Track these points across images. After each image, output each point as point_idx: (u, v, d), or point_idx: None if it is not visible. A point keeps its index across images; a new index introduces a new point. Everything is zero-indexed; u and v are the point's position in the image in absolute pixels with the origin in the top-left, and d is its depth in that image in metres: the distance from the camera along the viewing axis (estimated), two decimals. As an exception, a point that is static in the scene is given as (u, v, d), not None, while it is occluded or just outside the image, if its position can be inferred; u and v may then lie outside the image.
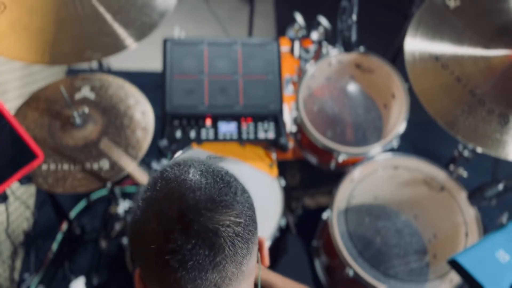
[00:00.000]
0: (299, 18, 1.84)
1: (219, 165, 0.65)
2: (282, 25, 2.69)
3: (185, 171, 0.61)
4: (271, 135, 1.62)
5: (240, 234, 0.58)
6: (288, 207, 2.01)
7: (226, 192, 0.59)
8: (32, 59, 1.17)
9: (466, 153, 1.52)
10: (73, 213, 1.98)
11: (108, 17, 1.24)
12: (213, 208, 0.57)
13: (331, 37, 1.81)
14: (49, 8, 1.22)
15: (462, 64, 1.30)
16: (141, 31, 1.24)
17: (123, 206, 1.73)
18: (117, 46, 1.22)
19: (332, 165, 1.74)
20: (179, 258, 0.55)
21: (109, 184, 1.41)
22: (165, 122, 1.59)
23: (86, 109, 1.45)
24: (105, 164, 1.38)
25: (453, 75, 1.29)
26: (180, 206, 0.57)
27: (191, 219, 0.56)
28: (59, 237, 1.91)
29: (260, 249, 0.69)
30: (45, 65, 1.25)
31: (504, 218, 1.32)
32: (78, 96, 1.52)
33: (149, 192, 0.61)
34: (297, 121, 1.73)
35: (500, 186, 1.40)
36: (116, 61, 2.30)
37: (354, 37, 1.76)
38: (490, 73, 1.28)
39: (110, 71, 2.22)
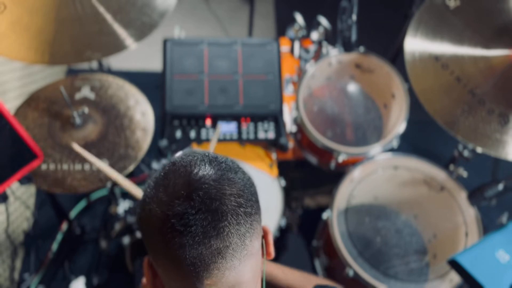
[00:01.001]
0: (299, 18, 1.84)
1: (224, 156, 0.70)
2: (282, 25, 2.69)
3: (192, 156, 0.65)
4: (271, 135, 1.62)
5: (243, 206, 0.61)
6: (288, 207, 2.01)
7: (229, 169, 0.64)
8: (32, 59, 1.17)
9: (466, 153, 1.52)
10: (73, 213, 1.98)
11: (108, 17, 1.24)
12: (217, 180, 0.61)
13: (331, 37, 1.81)
14: (49, 8, 1.22)
15: (462, 64, 1.30)
16: (141, 31, 1.25)
17: (123, 206, 1.73)
18: (117, 46, 1.22)
19: (332, 165, 1.74)
20: (183, 222, 0.58)
21: (109, 184, 1.41)
22: (165, 122, 1.59)
23: (86, 109, 1.45)
24: (105, 163, 1.38)
25: (453, 75, 1.29)
26: (186, 178, 0.61)
27: (196, 187, 0.60)
28: (59, 237, 1.91)
29: (265, 237, 0.71)
30: (45, 65, 1.25)
31: (504, 218, 1.32)
32: (78, 96, 1.52)
33: (158, 174, 0.65)
34: (297, 121, 1.73)
35: (500, 186, 1.40)
36: (116, 61, 2.30)
37: (354, 37, 1.76)
38: (490, 73, 1.28)
39: (110, 71, 2.22)
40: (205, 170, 0.62)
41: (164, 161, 1.55)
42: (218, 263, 0.59)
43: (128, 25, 1.24)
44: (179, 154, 0.68)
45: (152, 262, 0.66)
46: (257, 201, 0.67)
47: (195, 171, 0.62)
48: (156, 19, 1.27)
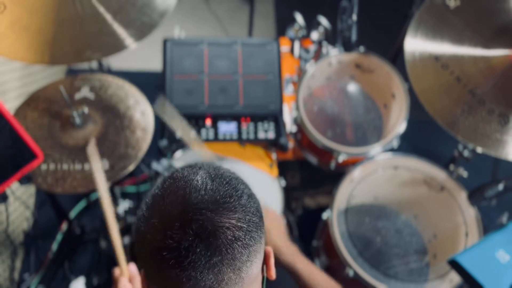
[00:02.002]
0: (299, 18, 1.84)
1: (231, 171, 0.65)
2: (282, 25, 2.69)
3: (194, 172, 0.62)
4: (271, 135, 1.62)
5: (241, 239, 0.58)
6: (288, 207, 2.01)
7: (231, 195, 0.59)
8: (32, 59, 1.17)
9: (466, 153, 1.52)
10: (73, 213, 1.98)
11: (108, 17, 1.24)
12: (215, 209, 0.57)
13: (331, 37, 1.81)
14: (49, 8, 1.22)
15: (462, 64, 1.30)
16: (141, 31, 1.24)
17: (123, 206, 1.73)
18: (117, 46, 1.22)
19: (332, 165, 1.74)
20: (175, 255, 0.56)
21: (109, 184, 1.41)
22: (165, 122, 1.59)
23: (86, 109, 1.44)
24: (105, 164, 1.38)
25: (453, 75, 1.29)
26: (182, 204, 0.57)
27: (191, 218, 0.56)
28: (59, 237, 1.91)
29: (266, 260, 0.67)
30: (45, 65, 1.25)
31: (504, 218, 1.32)
32: (78, 96, 1.51)
33: (156, 190, 0.62)
34: (297, 121, 1.73)
35: (500, 186, 1.40)
36: (116, 61, 2.30)
37: (354, 37, 1.76)
38: (490, 73, 1.28)
39: (110, 71, 2.22)
40: (205, 195, 0.58)
41: (166, 166, 1.55)
42: None
43: (128, 25, 1.24)
44: (181, 167, 0.65)
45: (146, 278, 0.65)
46: (259, 229, 0.62)
47: (194, 196, 0.58)
48: (156, 19, 1.27)
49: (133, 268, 0.81)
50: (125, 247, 1.86)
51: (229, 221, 0.57)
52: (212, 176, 0.61)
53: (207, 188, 0.59)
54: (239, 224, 0.58)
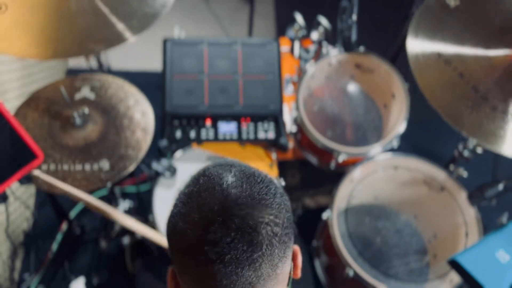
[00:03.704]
0: (299, 18, 1.84)
1: (260, 171, 0.65)
2: (282, 25, 2.69)
3: (227, 169, 0.62)
4: (271, 135, 1.61)
5: (278, 235, 0.58)
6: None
7: (266, 192, 0.60)
8: (35, 54, 1.18)
9: (466, 153, 1.52)
10: (73, 213, 1.98)
11: (110, 9, 1.24)
12: (254, 205, 0.58)
13: (331, 37, 1.81)
14: (49, 4, 1.22)
15: (464, 61, 1.30)
16: (144, 22, 1.25)
17: (123, 206, 1.73)
18: (120, 37, 1.22)
19: (332, 165, 1.74)
20: (217, 250, 0.56)
21: (109, 184, 1.41)
22: (165, 122, 1.59)
23: (86, 109, 1.44)
24: (105, 164, 1.38)
25: (456, 71, 1.29)
26: (222, 200, 0.57)
27: (232, 213, 0.56)
28: (59, 237, 1.90)
29: (294, 259, 0.67)
30: (49, 60, 1.25)
31: (504, 218, 1.32)
32: (78, 96, 1.52)
33: (191, 187, 0.61)
34: (297, 121, 1.73)
35: (500, 186, 1.40)
36: (116, 61, 2.30)
37: (354, 37, 1.76)
38: (492, 71, 1.28)
39: (110, 71, 2.22)
40: (243, 192, 0.58)
41: (163, 162, 1.55)
42: None
43: (131, 16, 1.24)
44: (212, 165, 0.64)
45: (176, 274, 0.64)
46: (292, 227, 0.63)
47: (233, 192, 0.58)
48: (158, 9, 1.27)
49: None
50: (125, 247, 1.86)
51: (268, 217, 0.58)
52: (246, 174, 0.61)
53: (243, 185, 0.59)
54: (277, 220, 0.59)
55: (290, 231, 0.62)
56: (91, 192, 1.98)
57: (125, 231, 1.80)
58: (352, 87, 1.92)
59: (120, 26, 1.22)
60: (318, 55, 1.84)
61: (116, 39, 1.21)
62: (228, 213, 0.56)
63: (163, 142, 1.57)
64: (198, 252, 0.56)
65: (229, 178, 0.60)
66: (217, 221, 0.56)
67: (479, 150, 1.43)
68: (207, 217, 0.57)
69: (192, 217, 0.58)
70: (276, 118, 1.63)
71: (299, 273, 0.69)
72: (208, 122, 1.60)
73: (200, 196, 0.59)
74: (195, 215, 0.58)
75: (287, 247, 0.61)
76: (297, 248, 0.68)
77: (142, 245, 1.76)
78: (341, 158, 1.65)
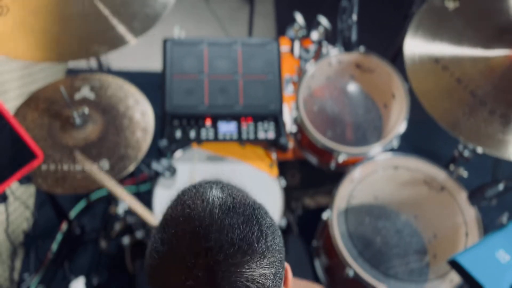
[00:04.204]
0: (299, 18, 1.83)
1: (244, 193, 0.59)
2: (282, 25, 2.69)
3: (210, 206, 0.54)
4: (271, 135, 1.61)
5: (270, 286, 0.54)
6: (288, 207, 2.01)
7: (258, 238, 0.53)
8: (39, 57, 1.18)
9: (466, 153, 1.52)
10: (73, 213, 1.98)
11: (111, 11, 1.24)
12: (243, 261, 0.51)
13: (331, 37, 1.81)
14: (52, 6, 1.22)
15: (462, 66, 1.30)
16: (146, 23, 1.25)
17: (123, 206, 1.73)
18: (123, 38, 1.22)
19: (332, 165, 1.74)
20: None
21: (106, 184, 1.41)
22: (165, 122, 1.59)
23: (86, 109, 1.44)
24: (105, 164, 1.38)
25: (454, 77, 1.29)
26: (208, 262, 0.51)
27: (220, 277, 0.50)
28: (59, 237, 1.90)
29: (285, 282, 0.63)
30: (53, 62, 1.26)
31: (504, 218, 1.32)
32: (77, 96, 1.51)
33: (168, 232, 0.54)
34: (297, 121, 1.73)
35: (500, 186, 1.40)
36: (116, 61, 2.29)
37: (354, 37, 1.76)
38: (490, 74, 1.28)
39: (109, 71, 2.22)
40: (230, 241, 0.51)
41: (163, 162, 1.55)
42: None
43: (132, 17, 1.24)
44: (192, 195, 0.56)
45: None
46: (283, 260, 0.58)
47: (217, 245, 0.51)
48: (159, 10, 1.27)
49: None
50: (125, 247, 1.86)
51: (259, 272, 0.52)
52: (231, 209, 0.54)
53: (231, 231, 0.52)
54: (267, 271, 0.53)
55: (282, 270, 0.57)
56: (91, 192, 1.99)
57: (125, 231, 1.80)
58: (352, 87, 1.92)
59: (122, 28, 1.22)
60: (318, 55, 1.84)
61: (118, 42, 1.21)
62: (214, 278, 0.50)
63: (163, 142, 1.56)
64: None
65: (213, 224, 0.52)
66: (204, 286, 0.51)
67: (479, 150, 1.43)
68: (192, 283, 0.51)
69: (174, 280, 0.52)
70: (276, 118, 1.63)
71: (289, 286, 0.65)
72: (208, 122, 1.60)
73: (180, 250, 0.52)
74: (176, 278, 0.51)
75: (280, 285, 0.57)
76: (286, 267, 0.62)
77: (142, 245, 1.76)
78: (341, 158, 1.65)
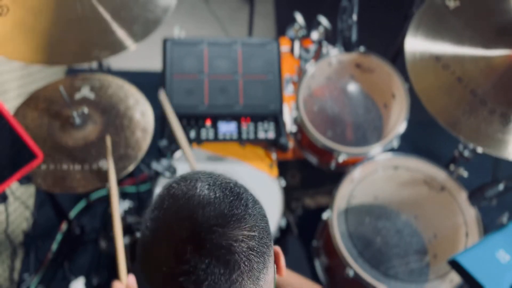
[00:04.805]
0: (299, 18, 1.83)
1: (227, 177, 0.63)
2: (282, 25, 2.69)
3: (192, 186, 0.59)
4: (271, 135, 1.61)
5: (255, 248, 0.56)
6: (288, 207, 2.01)
7: (237, 205, 0.57)
8: (39, 60, 1.17)
9: (466, 153, 1.52)
10: (72, 213, 1.98)
11: (111, 15, 1.24)
12: (225, 224, 0.55)
13: (331, 37, 1.81)
14: (53, 9, 1.22)
15: (463, 64, 1.30)
16: (146, 28, 1.24)
17: (122, 206, 1.73)
18: (123, 43, 1.22)
19: (332, 165, 1.74)
20: (193, 279, 0.53)
21: (109, 184, 1.40)
22: (165, 122, 1.58)
23: (86, 109, 1.44)
24: (104, 164, 1.38)
25: (454, 75, 1.29)
26: (191, 225, 0.55)
27: (203, 238, 0.54)
28: (58, 237, 1.90)
29: (276, 260, 0.66)
30: (52, 65, 1.25)
31: (504, 218, 1.32)
32: (77, 96, 1.51)
33: (156, 211, 0.59)
34: (297, 121, 1.73)
35: (500, 186, 1.39)
36: (116, 61, 2.29)
37: (354, 37, 1.76)
38: (491, 73, 1.28)
39: (109, 71, 2.22)
40: (211, 211, 0.55)
41: (166, 166, 1.55)
42: None
43: (132, 22, 1.24)
44: (176, 181, 0.61)
45: None
46: (269, 233, 0.61)
47: (200, 213, 0.55)
48: (160, 15, 1.27)
49: (132, 280, 0.79)
50: (125, 247, 1.86)
51: (241, 233, 0.56)
52: (213, 187, 0.59)
53: (211, 202, 0.57)
54: (251, 233, 0.57)
55: (268, 239, 0.60)
56: (91, 192, 1.99)
57: (125, 231, 1.79)
58: (352, 87, 1.92)
59: (122, 32, 1.22)
60: (318, 55, 1.84)
61: (118, 46, 1.21)
62: (198, 239, 0.54)
63: (163, 142, 1.56)
64: (174, 284, 0.54)
65: (196, 198, 0.57)
66: (188, 250, 0.54)
67: (479, 150, 1.43)
68: (177, 247, 0.54)
69: (162, 247, 0.56)
70: (276, 118, 1.63)
71: (283, 273, 0.68)
72: (208, 122, 1.60)
73: (167, 223, 0.57)
74: (165, 245, 0.55)
75: (267, 255, 0.59)
76: (277, 249, 0.66)
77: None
78: (341, 158, 1.65)
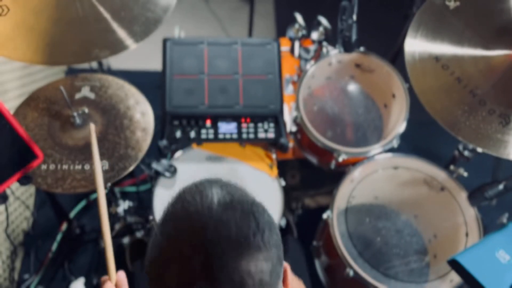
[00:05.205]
0: (299, 18, 1.84)
1: (243, 191, 0.60)
2: (282, 25, 2.69)
3: (209, 202, 0.55)
4: (271, 135, 1.61)
5: (267, 281, 0.54)
6: (288, 207, 2.01)
7: (254, 233, 0.54)
8: (39, 60, 1.17)
9: (466, 153, 1.52)
10: (73, 213, 1.98)
11: (112, 15, 1.24)
12: (240, 254, 0.53)
13: (331, 37, 1.81)
14: (53, 9, 1.22)
15: (462, 65, 1.30)
16: (147, 27, 1.24)
17: (122, 206, 1.73)
18: (124, 43, 1.22)
19: (332, 165, 1.74)
20: None
21: (109, 184, 1.41)
22: (165, 122, 1.59)
23: (86, 109, 1.44)
24: (104, 164, 1.38)
25: (453, 76, 1.29)
26: (205, 254, 0.52)
27: (215, 270, 0.52)
28: (58, 237, 1.90)
29: (284, 278, 0.63)
30: (52, 65, 1.25)
31: (504, 218, 1.32)
32: (78, 96, 1.51)
33: (169, 226, 0.56)
34: (297, 121, 1.73)
35: (500, 186, 1.40)
36: (116, 61, 2.30)
37: (354, 37, 1.76)
38: (490, 74, 1.28)
39: (110, 71, 2.22)
40: (227, 236, 0.52)
41: (166, 166, 1.54)
42: None
43: (133, 22, 1.24)
44: (192, 191, 0.57)
45: None
46: (281, 261, 0.58)
47: (216, 239, 0.52)
48: (160, 14, 1.27)
49: (122, 275, 0.78)
50: (125, 247, 1.86)
51: (255, 265, 0.53)
52: (229, 206, 0.55)
53: (227, 226, 0.53)
54: (264, 266, 0.54)
55: (280, 266, 0.58)
56: (90, 192, 1.99)
57: (125, 231, 1.79)
58: (352, 87, 1.92)
59: (122, 32, 1.22)
60: (318, 55, 1.84)
61: (119, 46, 1.21)
62: (211, 271, 0.52)
63: (163, 142, 1.56)
64: None
65: (212, 218, 0.53)
66: (200, 280, 0.52)
67: (479, 150, 1.43)
68: (190, 277, 0.52)
69: (173, 273, 0.53)
70: (276, 118, 1.63)
71: (289, 285, 0.65)
72: (208, 122, 1.60)
73: (180, 244, 0.54)
74: (176, 271, 0.53)
75: (277, 284, 0.57)
76: (285, 266, 0.63)
77: (142, 244, 1.76)
78: (341, 158, 1.65)
